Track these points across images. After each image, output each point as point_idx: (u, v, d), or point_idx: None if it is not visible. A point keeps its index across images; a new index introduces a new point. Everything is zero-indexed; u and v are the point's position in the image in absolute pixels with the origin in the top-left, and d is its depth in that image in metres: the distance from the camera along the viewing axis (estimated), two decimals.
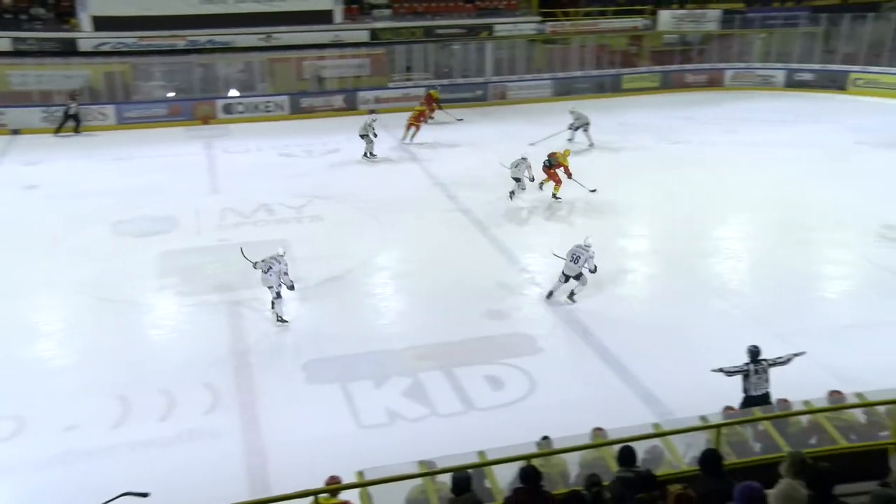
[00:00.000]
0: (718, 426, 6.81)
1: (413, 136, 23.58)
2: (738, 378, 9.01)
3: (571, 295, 12.86)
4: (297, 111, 28.35)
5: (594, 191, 17.84)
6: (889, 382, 7.87)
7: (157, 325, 13.03)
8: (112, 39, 28.39)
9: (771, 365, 8.96)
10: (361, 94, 28.90)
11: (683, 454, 7.06)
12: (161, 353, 11.98)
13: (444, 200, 18.52)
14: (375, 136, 22.16)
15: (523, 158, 17.82)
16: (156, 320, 13.19)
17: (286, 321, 12.44)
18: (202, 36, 28.82)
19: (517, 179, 17.81)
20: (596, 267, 12.66)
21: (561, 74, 30.55)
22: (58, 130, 25.40)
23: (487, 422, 9.76)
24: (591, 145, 22.27)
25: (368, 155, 22.04)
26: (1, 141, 24.72)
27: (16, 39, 27.79)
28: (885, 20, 29.10)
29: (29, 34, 28.13)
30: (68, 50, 28.14)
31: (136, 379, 11.01)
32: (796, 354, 9.09)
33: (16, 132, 25.58)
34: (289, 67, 29.27)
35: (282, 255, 12.44)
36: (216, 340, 12.08)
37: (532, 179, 18.09)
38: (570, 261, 12.66)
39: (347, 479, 6.89)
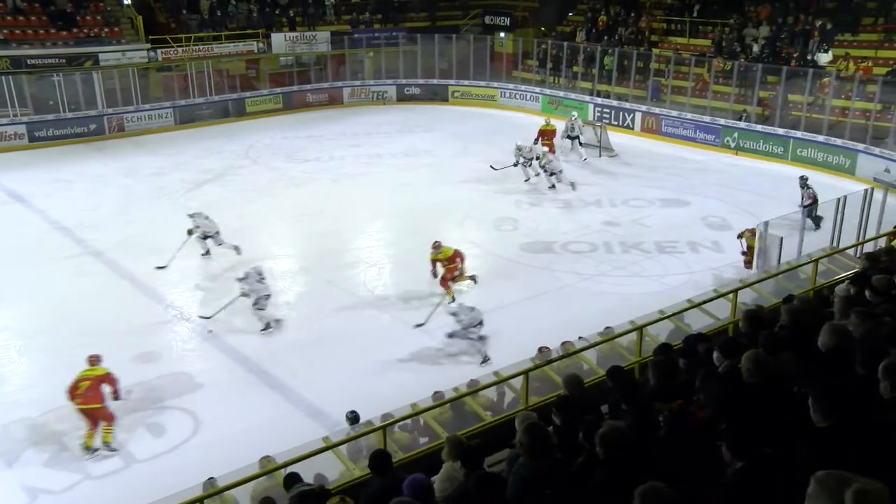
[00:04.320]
0: (384, 427, 7.20)
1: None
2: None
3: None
4: None
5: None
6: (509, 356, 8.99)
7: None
8: None
9: None
10: None
11: (355, 461, 7.37)
12: None
13: (69, 244, 16.93)
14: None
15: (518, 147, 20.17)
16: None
17: None
18: None
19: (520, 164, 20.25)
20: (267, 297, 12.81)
21: (182, 102, 29.55)
22: None
23: (151, 471, 9.23)
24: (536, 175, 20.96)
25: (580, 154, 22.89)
26: None
27: None
28: (465, 41, 33.02)
29: None
30: None
31: None
32: None
33: None
34: None
35: None
36: None
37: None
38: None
39: None
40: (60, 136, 26.64)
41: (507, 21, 35.68)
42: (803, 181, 17.56)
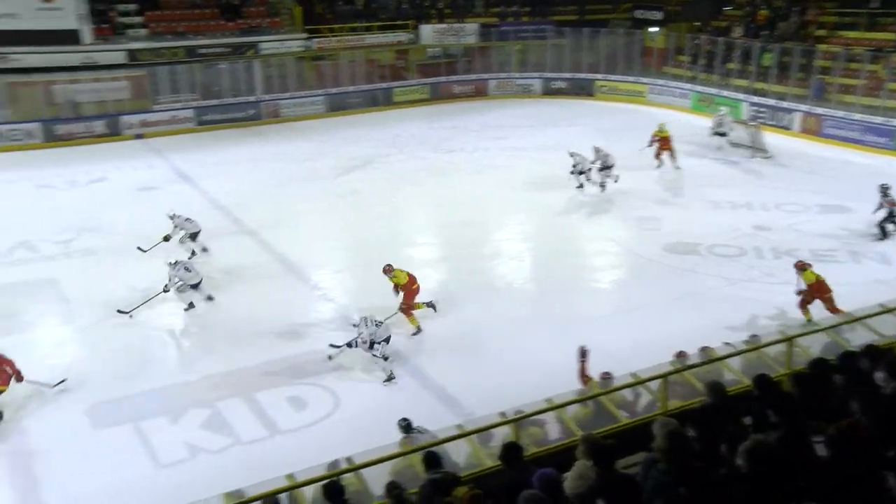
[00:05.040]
0: (515, 420, 7.21)
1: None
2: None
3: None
4: (52, 139, 26.16)
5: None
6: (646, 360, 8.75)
7: None
8: None
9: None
10: (125, 119, 27.26)
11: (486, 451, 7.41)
12: None
13: (227, 223, 17.98)
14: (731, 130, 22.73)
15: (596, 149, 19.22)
16: None
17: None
18: None
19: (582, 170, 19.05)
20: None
21: (333, 90, 30.74)
22: None
23: (294, 443, 9.66)
24: (586, 182, 19.69)
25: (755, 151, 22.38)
26: None
27: None
28: (615, 35, 32.32)
29: None
30: None
31: None
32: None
33: None
34: (36, 91, 26.86)
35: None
36: None
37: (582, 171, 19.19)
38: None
39: None
40: (222, 120, 28.37)
41: (659, 15, 34.56)
42: (884, 189, 16.15)
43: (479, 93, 32.71)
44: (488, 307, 13.59)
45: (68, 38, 27.53)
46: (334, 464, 7.36)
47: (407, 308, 12.67)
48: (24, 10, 26.52)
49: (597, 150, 19.39)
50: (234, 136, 27.08)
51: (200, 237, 15.78)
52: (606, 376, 9.00)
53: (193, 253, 15.52)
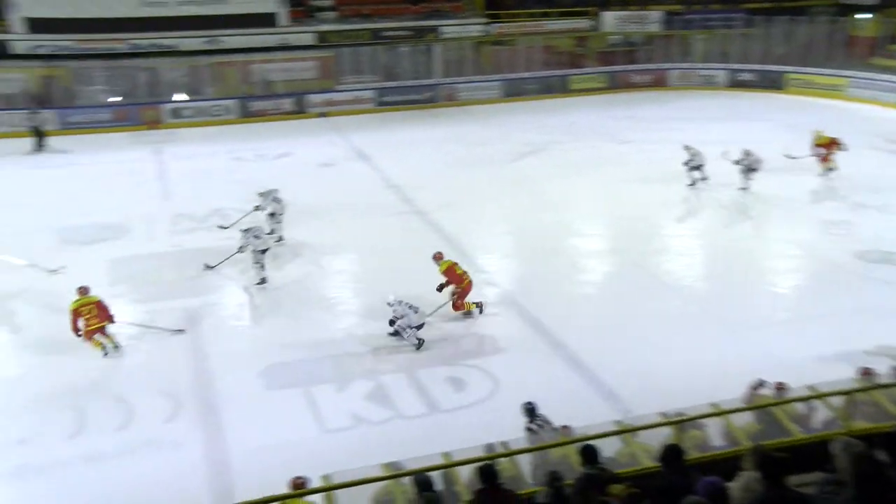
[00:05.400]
0: (679, 422, 6.97)
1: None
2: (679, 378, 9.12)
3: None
4: (246, 115, 28.09)
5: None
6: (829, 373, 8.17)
7: (111, 331, 12.74)
8: (48, 43, 27.67)
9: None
10: (310, 98, 28.76)
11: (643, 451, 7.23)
12: (114, 361, 11.75)
13: (398, 203, 18.56)
14: None
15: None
16: (109, 326, 12.90)
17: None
18: (144, 39, 28.30)
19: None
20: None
21: (510, 75, 30.85)
22: (39, 147, 24.02)
23: (452, 423, 9.83)
24: (704, 179, 18.98)
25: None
26: None
27: None
28: (814, 23, 30.09)
29: None
30: None
31: (90, 388, 10.84)
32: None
33: None
34: (235, 71, 28.96)
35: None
36: (172, 348, 11.92)
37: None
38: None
39: (313, 483, 6.91)
40: (401, 102, 29.30)
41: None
42: None
43: (659, 83, 31.65)
44: (655, 303, 13.17)
45: (266, 20, 29.45)
46: (490, 447, 7.46)
47: (458, 308, 12.68)
48: None
49: (747, 154, 18.33)
50: (412, 117, 27.92)
51: (282, 219, 16.36)
52: (781, 387, 8.50)
53: (272, 231, 16.04)
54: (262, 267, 14.10)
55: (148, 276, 14.61)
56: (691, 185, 18.83)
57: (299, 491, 6.85)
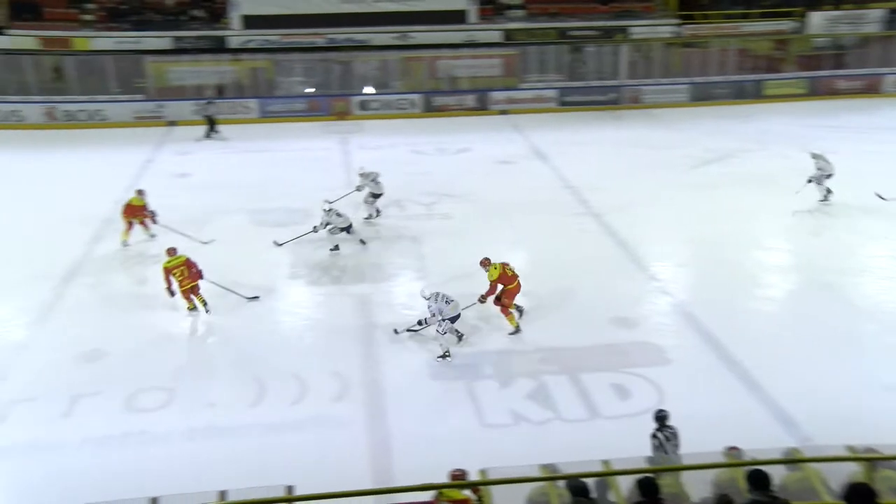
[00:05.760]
0: (871, 459, 6.38)
1: None
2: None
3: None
4: (430, 109, 28.84)
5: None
6: None
7: (290, 313, 13.55)
8: (258, 37, 29.91)
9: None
10: (493, 95, 29.05)
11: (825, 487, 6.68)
12: (294, 339, 12.45)
13: (574, 203, 18.34)
14: None
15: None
16: (288, 307, 13.73)
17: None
18: (341, 34, 29.84)
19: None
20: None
21: (699, 79, 29.60)
22: (209, 135, 25.92)
23: (613, 430, 9.59)
24: (830, 193, 17.72)
25: None
26: (159, 132, 26.51)
27: (176, 38, 29.85)
28: None
29: (187, 33, 30.19)
30: (219, 47, 29.86)
31: (269, 364, 11.51)
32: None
33: (172, 124, 27.35)
34: (423, 66, 29.83)
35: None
36: (345, 330, 12.46)
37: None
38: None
39: (470, 476, 6.97)
40: (583, 102, 28.97)
41: None
42: None
43: (871, 89, 29.18)
44: (844, 326, 12.19)
45: (456, 17, 30.11)
46: (653, 459, 7.20)
47: (504, 307, 12.15)
48: None
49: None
50: (593, 118, 27.51)
51: (380, 201, 17.15)
52: None
53: (370, 216, 16.83)
54: (337, 247, 15.19)
55: (327, 261, 15.31)
56: (823, 199, 17.42)
57: (458, 482, 6.93)
